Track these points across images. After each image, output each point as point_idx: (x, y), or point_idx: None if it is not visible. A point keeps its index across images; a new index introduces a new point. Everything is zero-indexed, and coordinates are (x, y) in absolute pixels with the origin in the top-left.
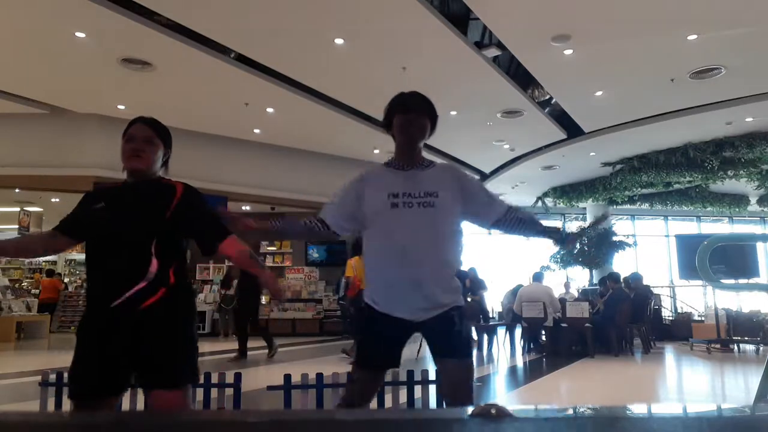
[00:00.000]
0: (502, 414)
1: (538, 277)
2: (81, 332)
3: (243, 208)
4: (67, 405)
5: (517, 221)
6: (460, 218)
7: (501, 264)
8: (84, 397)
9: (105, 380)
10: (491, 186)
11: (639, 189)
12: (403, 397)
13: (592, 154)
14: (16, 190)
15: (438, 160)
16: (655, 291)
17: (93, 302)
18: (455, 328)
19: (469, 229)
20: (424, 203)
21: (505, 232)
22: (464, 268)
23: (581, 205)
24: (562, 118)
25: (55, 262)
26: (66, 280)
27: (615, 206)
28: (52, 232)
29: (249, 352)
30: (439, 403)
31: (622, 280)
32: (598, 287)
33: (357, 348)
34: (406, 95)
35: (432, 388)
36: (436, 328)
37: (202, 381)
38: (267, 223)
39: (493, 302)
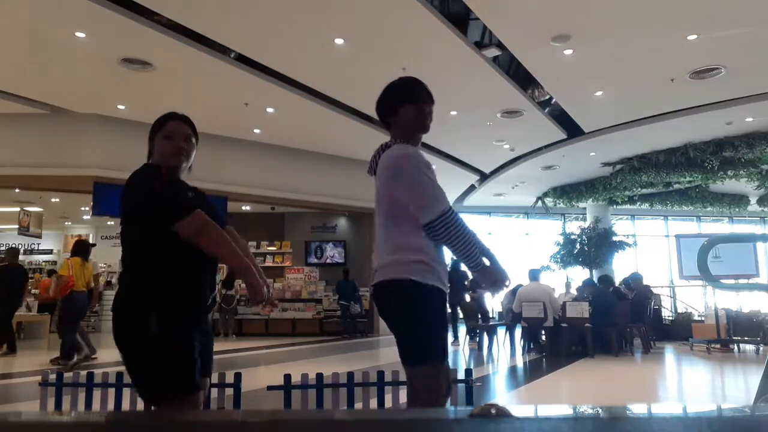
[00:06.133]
0: (502, 414)
1: (534, 276)
2: (186, 328)
3: (243, 208)
4: (66, 405)
5: None
6: None
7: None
8: (194, 391)
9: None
10: (491, 186)
11: (639, 189)
12: (402, 397)
13: (592, 154)
14: (16, 190)
15: (438, 159)
16: (655, 291)
17: (192, 299)
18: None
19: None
20: None
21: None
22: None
23: (581, 205)
24: (562, 118)
25: (55, 262)
26: None
27: (615, 206)
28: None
29: (250, 352)
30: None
31: (597, 282)
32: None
33: (440, 341)
34: (424, 84)
35: None
36: None
37: None
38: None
39: (493, 302)
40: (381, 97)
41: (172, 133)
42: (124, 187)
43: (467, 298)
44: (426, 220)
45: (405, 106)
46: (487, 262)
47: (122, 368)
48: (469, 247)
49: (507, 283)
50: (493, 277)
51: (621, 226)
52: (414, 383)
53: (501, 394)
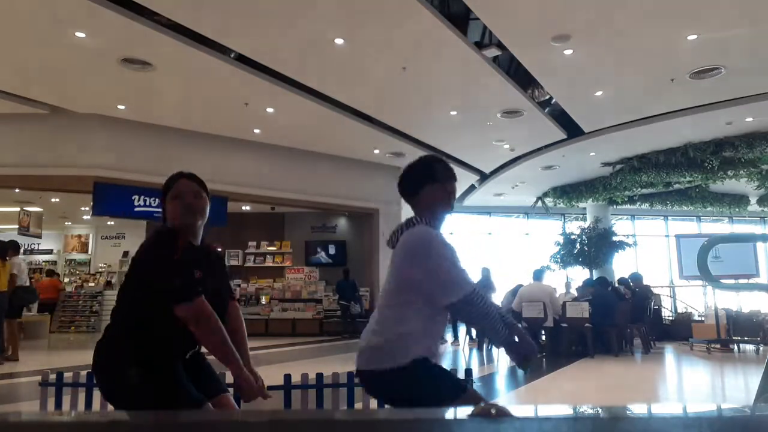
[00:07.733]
0: (502, 414)
1: (538, 276)
2: (168, 371)
3: (243, 208)
4: (66, 405)
5: None
6: None
7: (501, 264)
8: (205, 399)
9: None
10: (491, 186)
11: (639, 189)
12: None
13: (592, 154)
14: (16, 190)
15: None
16: (655, 291)
17: (171, 351)
18: None
19: (468, 228)
20: None
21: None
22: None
23: (581, 205)
24: (562, 118)
25: (55, 263)
26: (66, 280)
27: (615, 206)
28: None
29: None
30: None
31: (598, 282)
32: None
33: (445, 384)
34: (447, 163)
35: None
36: None
37: None
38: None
39: (495, 301)
40: (404, 177)
41: (181, 192)
42: (141, 246)
43: None
44: (449, 302)
45: (428, 186)
46: (516, 338)
47: None
48: (494, 325)
49: (534, 358)
50: (521, 351)
51: (621, 226)
52: None
53: (501, 394)
